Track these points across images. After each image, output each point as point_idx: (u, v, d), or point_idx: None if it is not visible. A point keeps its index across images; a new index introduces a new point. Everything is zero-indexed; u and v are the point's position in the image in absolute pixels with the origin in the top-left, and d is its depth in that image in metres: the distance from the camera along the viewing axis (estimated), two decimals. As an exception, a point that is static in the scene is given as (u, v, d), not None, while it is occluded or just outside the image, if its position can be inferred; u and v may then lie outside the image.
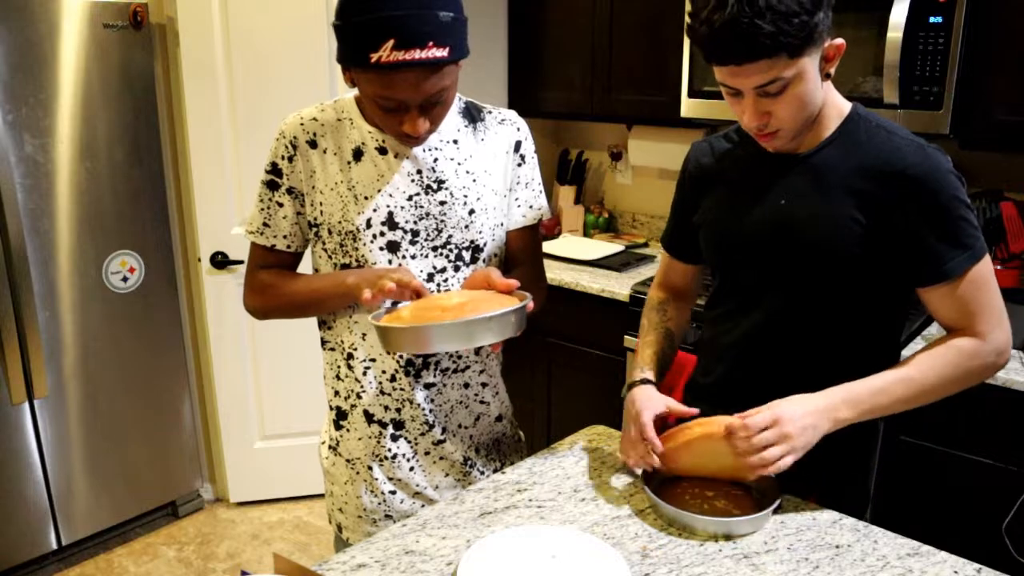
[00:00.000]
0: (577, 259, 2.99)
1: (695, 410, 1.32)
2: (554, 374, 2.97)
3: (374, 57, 1.12)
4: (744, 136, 1.38)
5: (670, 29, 2.66)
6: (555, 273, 2.85)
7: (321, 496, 3.13)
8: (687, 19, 1.19)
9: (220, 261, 2.88)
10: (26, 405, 2.56)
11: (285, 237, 1.39)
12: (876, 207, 1.22)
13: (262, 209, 1.38)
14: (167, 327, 2.90)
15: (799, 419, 1.18)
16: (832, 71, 1.22)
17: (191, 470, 3.07)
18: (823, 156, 1.27)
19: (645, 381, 1.40)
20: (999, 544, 2.00)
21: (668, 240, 1.57)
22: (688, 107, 2.61)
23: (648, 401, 1.34)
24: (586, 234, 3.41)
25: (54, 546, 2.70)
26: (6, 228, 2.42)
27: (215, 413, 3.08)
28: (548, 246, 3.15)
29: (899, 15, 2.07)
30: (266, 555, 2.84)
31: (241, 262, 2.87)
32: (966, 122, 2.12)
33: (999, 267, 2.25)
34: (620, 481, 1.39)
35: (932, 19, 2.06)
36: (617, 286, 2.69)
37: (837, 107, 1.28)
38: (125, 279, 2.75)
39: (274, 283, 1.40)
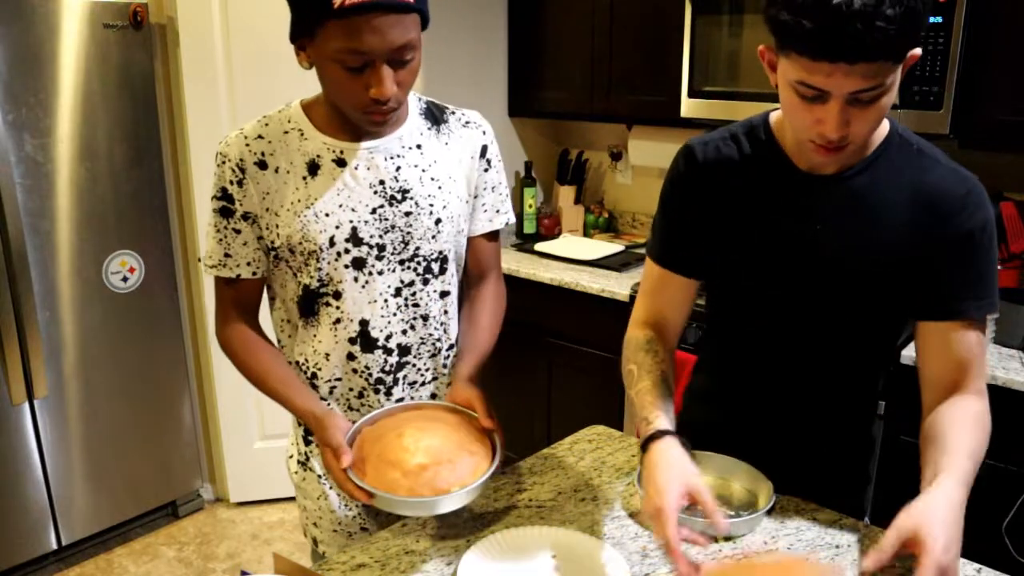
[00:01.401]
0: (577, 259, 2.99)
1: (722, 521, 1.05)
2: (554, 374, 2.97)
3: (337, 2, 1.08)
4: (758, 145, 1.24)
5: (670, 29, 2.66)
6: (555, 273, 2.85)
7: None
8: (776, 7, 1.00)
9: (220, 261, 2.88)
10: (26, 405, 2.56)
11: (249, 264, 1.31)
12: (914, 235, 1.16)
13: (220, 240, 1.29)
14: (167, 327, 2.90)
15: (957, 552, 0.99)
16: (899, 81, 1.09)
17: (191, 470, 3.07)
18: (864, 179, 1.18)
19: (663, 433, 1.15)
20: (999, 544, 1.99)
21: (664, 252, 1.34)
22: (688, 107, 2.61)
23: (669, 481, 1.07)
24: (586, 234, 3.41)
25: (54, 546, 2.70)
26: (6, 228, 2.42)
27: (215, 413, 3.08)
28: (548, 246, 3.15)
29: (899, 15, 2.07)
30: (266, 555, 2.83)
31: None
32: (966, 122, 2.12)
33: (999, 267, 2.25)
34: (620, 481, 1.39)
35: (932, 19, 2.06)
36: (617, 286, 2.69)
37: (880, 125, 1.18)
38: (125, 279, 2.75)
39: (247, 362, 1.35)
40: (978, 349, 1.20)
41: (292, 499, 3.18)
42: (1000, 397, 1.94)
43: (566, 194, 3.42)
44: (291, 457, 1.48)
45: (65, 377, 2.64)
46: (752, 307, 1.32)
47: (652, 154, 3.13)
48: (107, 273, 2.70)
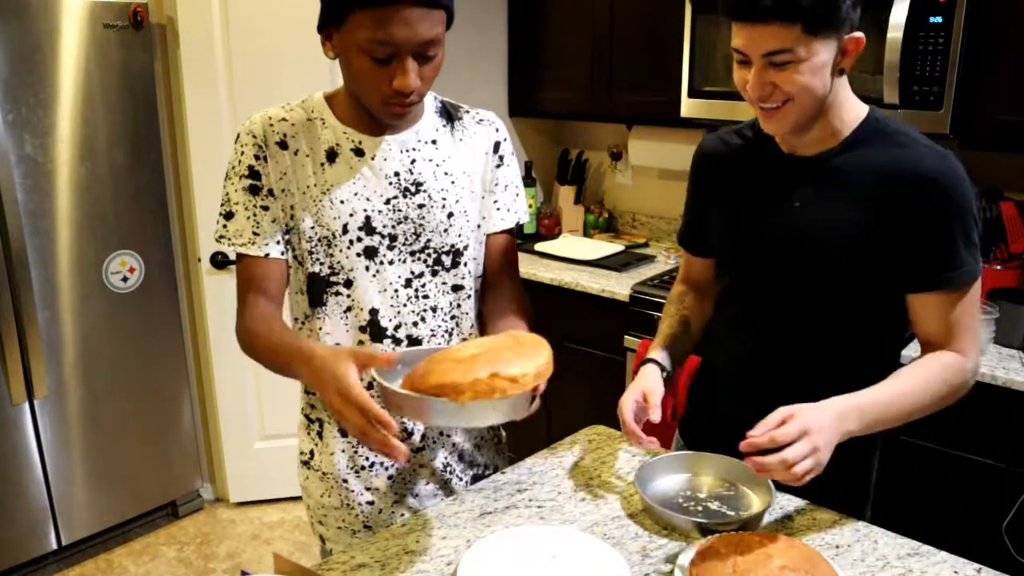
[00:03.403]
0: (577, 259, 2.99)
1: (657, 414, 1.32)
2: (554, 374, 2.96)
3: None
4: (760, 135, 1.35)
5: (670, 29, 2.65)
6: (555, 273, 2.85)
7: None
8: None
9: (220, 261, 2.88)
10: (26, 405, 2.56)
11: (278, 243, 1.30)
12: (888, 212, 1.22)
13: (248, 217, 1.28)
14: (167, 327, 2.90)
15: (826, 431, 1.12)
16: (848, 66, 1.21)
17: (191, 470, 3.07)
18: (840, 160, 1.26)
19: (650, 360, 1.42)
20: (999, 544, 1.99)
21: (683, 236, 1.55)
22: (688, 107, 2.61)
23: (633, 387, 1.36)
24: (586, 234, 3.41)
25: (54, 546, 2.70)
26: (6, 228, 2.42)
27: (215, 413, 3.08)
28: (548, 246, 3.15)
29: (899, 15, 2.07)
30: (266, 555, 2.84)
31: (241, 262, 2.87)
32: (966, 122, 2.12)
33: (999, 267, 2.25)
34: (620, 481, 1.39)
35: (932, 19, 2.06)
36: (617, 286, 2.69)
37: (854, 109, 1.27)
38: (125, 279, 2.75)
39: (259, 333, 1.28)
40: (963, 313, 1.24)
41: (292, 499, 3.18)
42: (1000, 397, 1.94)
43: (566, 194, 3.42)
44: (299, 457, 1.48)
45: (65, 377, 2.64)
46: (747, 290, 1.39)
47: (652, 154, 3.13)
48: (107, 273, 2.70)
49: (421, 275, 1.33)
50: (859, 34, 1.19)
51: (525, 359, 1.08)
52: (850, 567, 1.14)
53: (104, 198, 2.65)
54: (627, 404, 1.32)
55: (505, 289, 1.44)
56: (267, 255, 1.31)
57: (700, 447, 1.42)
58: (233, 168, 1.29)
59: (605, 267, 2.91)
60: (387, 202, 1.29)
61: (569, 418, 2.92)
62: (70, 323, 2.63)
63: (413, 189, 1.31)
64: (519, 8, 3.18)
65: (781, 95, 1.18)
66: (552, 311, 2.85)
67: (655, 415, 1.31)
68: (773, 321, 1.35)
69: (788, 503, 1.31)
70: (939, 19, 2.05)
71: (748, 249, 1.36)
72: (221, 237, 1.31)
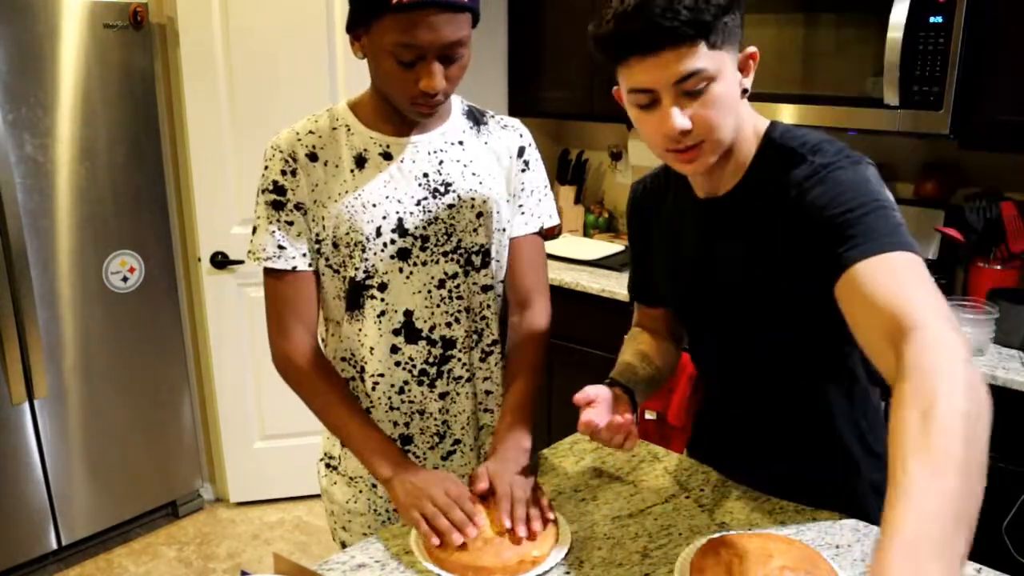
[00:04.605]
0: (577, 259, 2.99)
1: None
2: (554, 374, 2.97)
3: None
4: (675, 178, 1.29)
5: (670, 29, 2.65)
6: (555, 273, 2.85)
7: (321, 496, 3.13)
8: (590, 28, 1.13)
9: (220, 261, 2.88)
10: (26, 405, 2.56)
11: (304, 255, 1.30)
12: (787, 238, 1.11)
13: (273, 232, 1.28)
14: (167, 327, 2.90)
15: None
16: (749, 86, 1.11)
17: (191, 470, 3.07)
18: (739, 195, 1.18)
19: (606, 381, 1.29)
20: (999, 544, 2.00)
21: (631, 286, 1.48)
22: (688, 107, 2.61)
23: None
24: (586, 234, 3.41)
25: (54, 546, 2.70)
26: (6, 228, 2.42)
27: (215, 413, 3.08)
28: (548, 246, 3.14)
29: (899, 15, 2.07)
30: (266, 555, 2.84)
31: (241, 262, 2.87)
32: (966, 122, 2.12)
33: (999, 267, 2.25)
34: (620, 481, 1.39)
35: (932, 19, 2.06)
36: (617, 286, 2.69)
37: (754, 130, 1.17)
38: (125, 279, 2.75)
39: (316, 390, 1.34)
40: (902, 282, 0.95)
41: (292, 499, 3.18)
42: (1000, 397, 1.94)
43: (566, 194, 3.42)
44: (320, 460, 1.48)
45: (65, 377, 2.64)
46: (692, 331, 1.38)
47: (652, 154, 3.12)
48: (107, 273, 2.70)
49: (455, 276, 1.34)
50: (752, 48, 1.11)
51: (545, 532, 1.18)
52: (850, 567, 1.14)
53: (104, 198, 2.65)
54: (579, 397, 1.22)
55: (527, 317, 1.46)
56: (294, 268, 1.30)
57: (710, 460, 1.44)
58: (260, 184, 1.30)
59: (605, 267, 2.91)
60: (418, 203, 1.30)
61: (569, 418, 2.91)
62: (70, 323, 2.63)
63: (443, 190, 1.31)
64: (519, 8, 3.18)
65: (701, 128, 1.07)
66: (552, 311, 2.84)
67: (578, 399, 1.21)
68: (732, 362, 1.32)
69: (787, 505, 1.31)
70: (939, 19, 2.05)
71: (675, 298, 1.34)
72: (250, 252, 1.32)
